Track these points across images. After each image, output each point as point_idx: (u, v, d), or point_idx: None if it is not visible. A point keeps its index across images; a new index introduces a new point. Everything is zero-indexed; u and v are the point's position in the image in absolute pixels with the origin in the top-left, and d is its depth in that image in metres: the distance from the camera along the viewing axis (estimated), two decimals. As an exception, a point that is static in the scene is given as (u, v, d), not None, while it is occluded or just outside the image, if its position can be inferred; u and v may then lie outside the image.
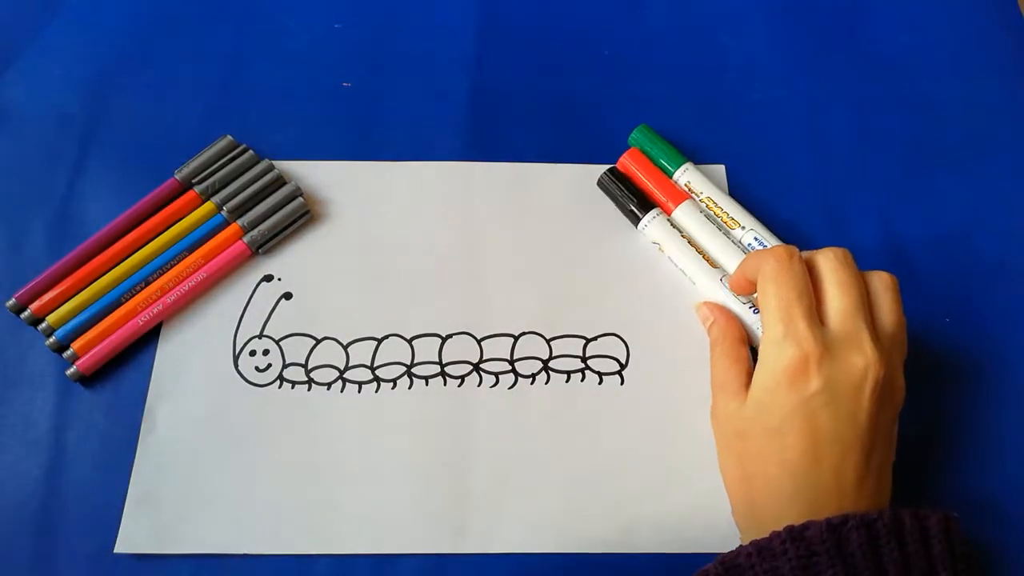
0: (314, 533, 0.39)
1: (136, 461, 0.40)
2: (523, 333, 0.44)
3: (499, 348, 0.43)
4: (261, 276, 0.45)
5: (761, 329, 0.38)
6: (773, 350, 0.35)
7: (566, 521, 0.40)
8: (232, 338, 0.43)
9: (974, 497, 0.41)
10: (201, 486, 0.40)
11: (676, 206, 0.46)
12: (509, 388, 0.43)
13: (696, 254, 0.44)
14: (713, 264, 0.44)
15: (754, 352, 0.39)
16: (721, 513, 0.40)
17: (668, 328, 0.44)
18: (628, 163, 0.47)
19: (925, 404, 0.42)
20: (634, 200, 0.46)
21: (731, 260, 0.44)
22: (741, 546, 0.33)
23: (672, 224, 0.45)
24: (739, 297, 0.41)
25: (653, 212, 0.45)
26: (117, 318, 0.42)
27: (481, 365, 0.43)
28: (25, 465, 0.40)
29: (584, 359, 0.43)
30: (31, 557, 0.38)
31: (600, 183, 0.47)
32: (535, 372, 0.43)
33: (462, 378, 0.43)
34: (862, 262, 0.46)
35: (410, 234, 0.46)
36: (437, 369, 0.43)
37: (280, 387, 0.42)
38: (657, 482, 0.41)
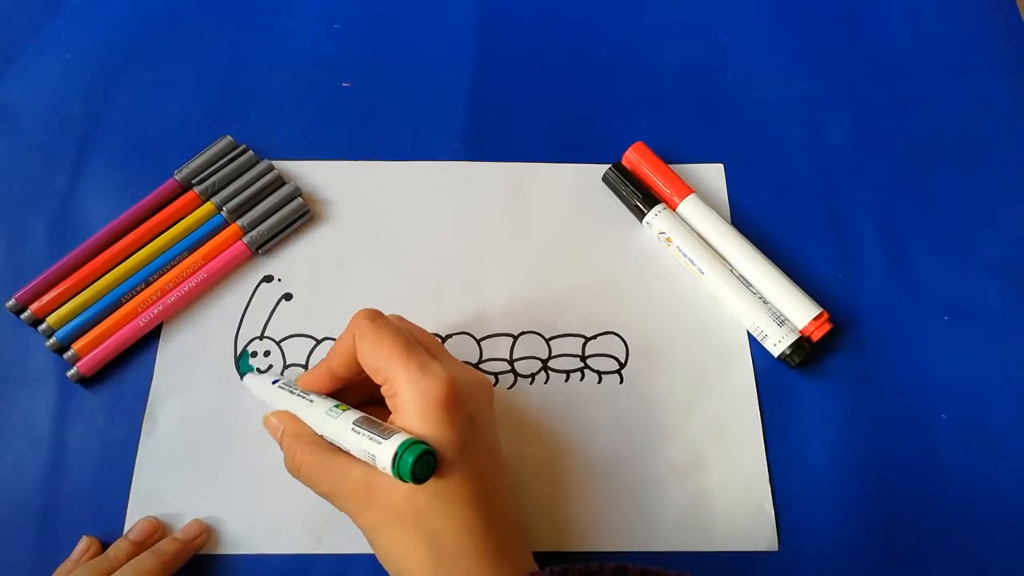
0: (315, 533, 0.39)
1: (138, 461, 0.40)
2: (522, 333, 0.44)
3: (498, 348, 0.44)
4: (261, 277, 0.45)
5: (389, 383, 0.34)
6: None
7: (565, 520, 0.40)
8: (233, 339, 0.43)
9: (978, 493, 0.41)
10: (203, 486, 0.40)
11: (681, 200, 0.46)
12: (508, 388, 0.43)
13: (705, 244, 0.44)
14: (722, 256, 0.44)
15: None
16: (719, 512, 0.40)
17: (667, 326, 0.44)
18: (633, 158, 0.47)
19: (924, 400, 0.43)
20: (639, 195, 0.46)
21: (738, 253, 0.44)
22: None
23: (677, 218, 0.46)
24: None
25: (658, 207, 0.46)
26: (118, 319, 0.42)
27: (481, 365, 0.43)
28: (27, 465, 0.40)
29: (583, 358, 0.43)
30: (33, 556, 0.39)
31: (605, 179, 0.47)
32: (534, 372, 0.43)
33: (462, 378, 0.43)
34: (862, 261, 0.46)
35: (410, 234, 0.46)
36: (437, 369, 0.43)
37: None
38: (655, 481, 0.41)
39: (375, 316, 0.35)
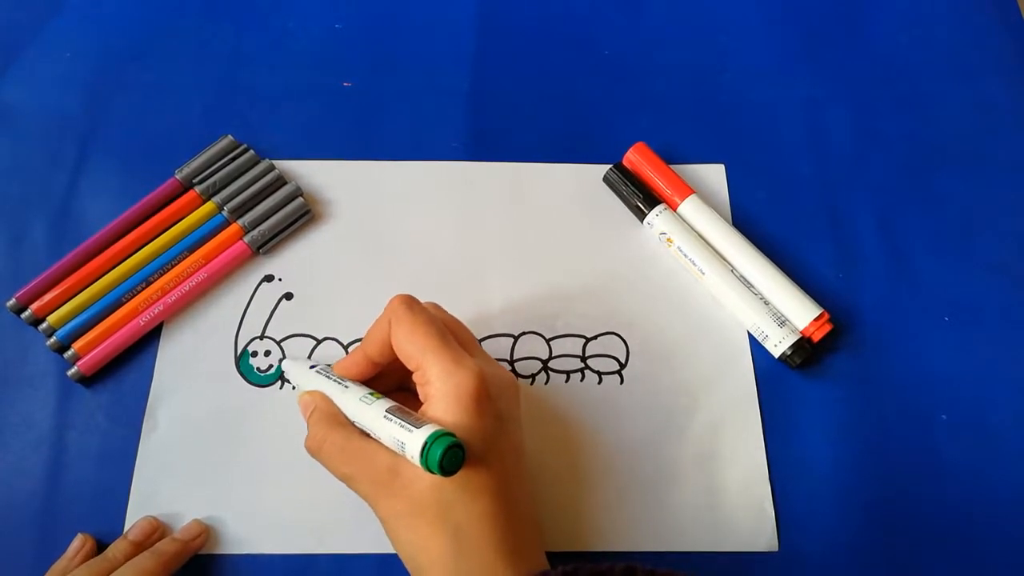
0: (315, 532, 0.39)
1: (138, 461, 0.40)
2: (523, 333, 0.44)
3: (499, 348, 0.44)
4: (262, 276, 0.45)
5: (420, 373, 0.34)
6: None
7: (565, 520, 0.40)
8: (233, 339, 0.43)
9: (980, 488, 0.41)
10: (203, 486, 0.40)
11: (682, 201, 0.46)
12: (509, 388, 0.43)
13: (706, 245, 0.44)
14: (722, 257, 0.44)
15: None
16: (720, 512, 0.40)
17: (668, 327, 0.44)
18: (633, 159, 0.47)
19: (925, 401, 0.43)
20: (640, 196, 0.46)
21: (739, 253, 0.44)
22: None
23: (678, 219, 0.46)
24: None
25: (659, 208, 0.46)
26: (118, 318, 0.42)
27: (481, 365, 0.43)
28: (27, 465, 0.40)
29: (584, 359, 0.43)
30: (33, 556, 0.39)
31: (606, 179, 0.47)
32: (535, 372, 0.43)
33: (462, 378, 0.43)
34: (862, 262, 0.46)
35: (410, 234, 0.46)
36: (437, 369, 0.43)
37: (281, 388, 0.42)
38: (655, 482, 0.41)
39: (411, 302, 0.35)
